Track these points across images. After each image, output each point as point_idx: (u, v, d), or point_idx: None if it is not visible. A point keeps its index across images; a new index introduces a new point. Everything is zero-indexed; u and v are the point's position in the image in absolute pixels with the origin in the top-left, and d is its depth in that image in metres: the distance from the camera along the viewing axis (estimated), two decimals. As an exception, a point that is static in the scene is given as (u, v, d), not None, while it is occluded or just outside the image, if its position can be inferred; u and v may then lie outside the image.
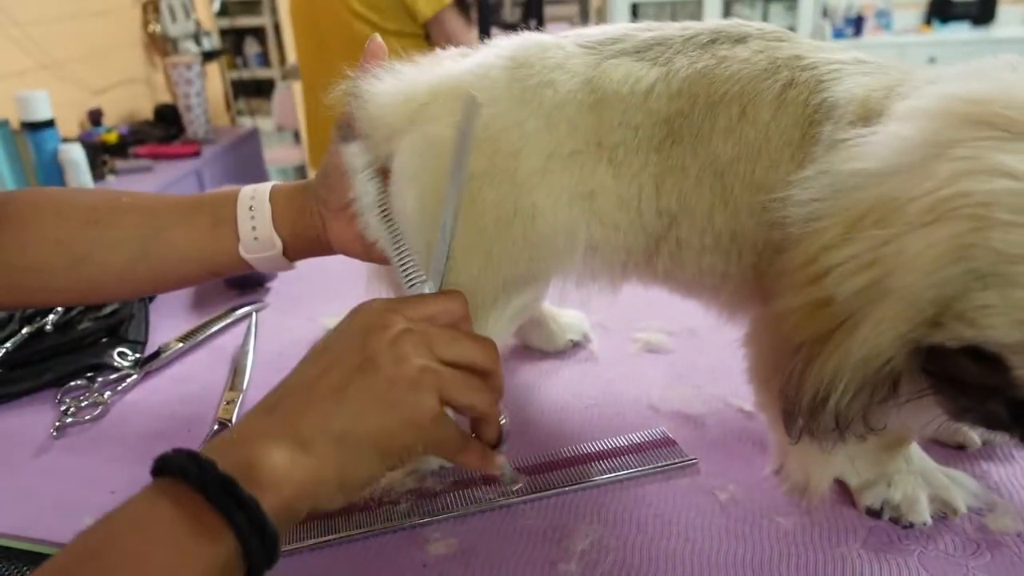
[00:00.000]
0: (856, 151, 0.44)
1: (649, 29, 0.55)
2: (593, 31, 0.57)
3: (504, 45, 0.56)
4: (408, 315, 0.45)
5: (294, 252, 0.61)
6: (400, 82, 0.56)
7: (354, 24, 1.79)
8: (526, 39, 0.56)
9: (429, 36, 1.83)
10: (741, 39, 0.53)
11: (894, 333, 0.39)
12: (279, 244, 0.59)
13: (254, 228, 0.59)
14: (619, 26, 0.57)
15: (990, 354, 0.38)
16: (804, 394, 0.43)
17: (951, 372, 0.42)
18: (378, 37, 0.59)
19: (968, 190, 0.37)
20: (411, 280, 0.50)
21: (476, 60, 0.56)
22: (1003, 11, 4.03)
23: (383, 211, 0.54)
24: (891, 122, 0.44)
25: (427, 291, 0.49)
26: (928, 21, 4.10)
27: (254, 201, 0.59)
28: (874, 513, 0.52)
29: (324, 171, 0.59)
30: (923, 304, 0.38)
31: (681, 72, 0.52)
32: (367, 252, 0.60)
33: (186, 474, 0.35)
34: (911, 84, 0.48)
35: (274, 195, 0.60)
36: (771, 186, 0.50)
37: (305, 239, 0.60)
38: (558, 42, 0.56)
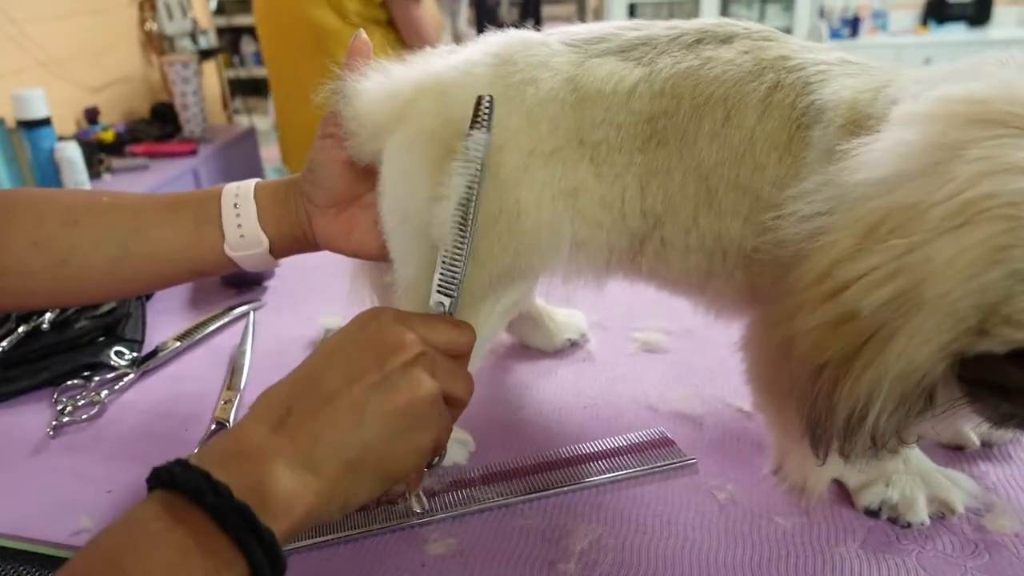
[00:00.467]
0: (858, 160, 0.43)
1: (636, 28, 0.55)
2: (580, 29, 0.57)
3: (490, 42, 0.56)
4: (421, 335, 0.44)
5: (279, 249, 0.60)
6: (386, 79, 0.56)
7: (314, 13, 1.78)
8: (512, 36, 0.56)
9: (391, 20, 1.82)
10: (727, 39, 0.53)
11: (935, 345, 0.38)
12: (265, 241, 0.59)
13: (239, 226, 0.58)
14: (606, 24, 0.57)
15: None
16: (837, 416, 0.41)
17: (992, 379, 0.40)
18: (363, 33, 0.59)
19: (994, 191, 0.36)
20: (443, 288, 0.49)
21: (462, 57, 0.56)
22: (999, 12, 4.04)
23: (464, 211, 0.49)
24: (890, 128, 0.43)
25: (445, 305, 0.49)
26: (924, 22, 4.11)
27: (238, 199, 0.59)
28: (872, 513, 0.52)
29: (310, 167, 0.59)
30: (964, 312, 0.37)
31: (664, 72, 0.52)
32: (353, 248, 0.60)
33: (201, 498, 0.35)
34: (898, 85, 0.47)
35: (258, 192, 0.59)
36: (756, 189, 0.50)
37: (291, 236, 0.60)
38: (544, 40, 0.56)
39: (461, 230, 0.49)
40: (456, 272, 0.49)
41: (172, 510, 0.35)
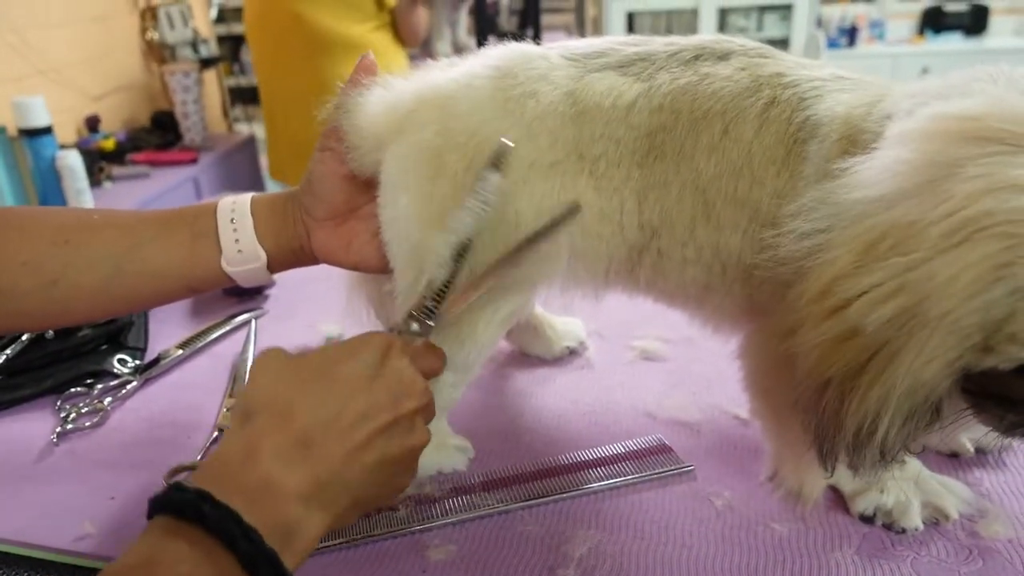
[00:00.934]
0: (856, 178, 0.43)
1: (634, 44, 0.56)
2: (579, 43, 0.58)
3: (490, 55, 0.57)
4: (418, 366, 0.47)
5: (277, 264, 0.60)
6: (387, 92, 0.57)
7: (317, 16, 1.78)
8: (512, 49, 0.57)
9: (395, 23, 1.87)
10: (724, 56, 0.54)
11: (941, 362, 0.38)
12: (263, 256, 0.59)
13: (237, 241, 0.58)
14: (605, 39, 0.58)
15: None
16: (846, 431, 0.42)
17: (997, 391, 0.41)
18: (371, 54, 0.60)
19: (992, 209, 0.36)
20: (424, 315, 0.51)
21: (462, 69, 0.57)
22: (995, 21, 4.07)
23: (463, 247, 0.51)
24: (886, 146, 0.44)
25: (420, 330, 0.51)
26: (921, 31, 4.14)
27: (235, 213, 0.58)
28: (867, 519, 0.53)
29: (309, 179, 0.59)
30: (969, 330, 0.37)
31: (663, 88, 0.53)
32: (352, 260, 0.60)
33: (234, 543, 0.35)
34: (891, 100, 0.48)
35: (255, 206, 0.59)
36: (755, 202, 0.51)
37: (289, 250, 0.60)
38: (544, 53, 0.56)
39: (456, 264, 0.50)
40: (441, 303, 0.51)
41: (197, 549, 0.35)
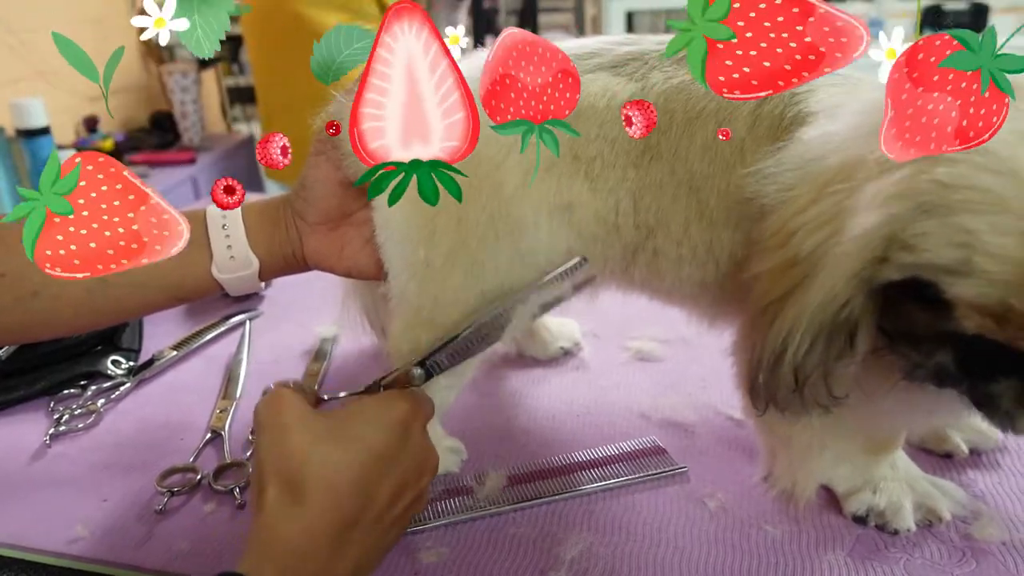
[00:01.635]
0: (824, 122, 0.46)
1: (626, 43, 0.56)
2: (571, 44, 0.58)
3: (483, 55, 0.57)
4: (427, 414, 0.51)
5: (268, 271, 0.59)
6: None
7: (323, 17, 1.78)
8: None
9: None
10: None
11: (847, 273, 0.41)
12: (255, 263, 0.58)
13: (229, 247, 0.57)
14: (597, 40, 0.58)
15: (929, 286, 0.39)
16: (766, 351, 0.44)
17: (904, 326, 0.43)
18: None
19: None
20: (433, 367, 0.55)
21: None
22: (995, 21, 4.06)
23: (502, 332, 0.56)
24: (861, 93, 0.46)
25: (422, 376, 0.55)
26: (920, 31, 4.13)
27: (226, 220, 0.57)
28: (860, 520, 0.53)
29: (302, 183, 0.58)
30: (875, 244, 0.40)
31: (657, 87, 0.53)
32: (344, 266, 0.60)
33: None
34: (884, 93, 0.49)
35: (246, 212, 0.58)
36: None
37: (280, 256, 0.59)
38: None
39: (476, 332, 0.55)
40: (452, 360, 0.55)
41: None
